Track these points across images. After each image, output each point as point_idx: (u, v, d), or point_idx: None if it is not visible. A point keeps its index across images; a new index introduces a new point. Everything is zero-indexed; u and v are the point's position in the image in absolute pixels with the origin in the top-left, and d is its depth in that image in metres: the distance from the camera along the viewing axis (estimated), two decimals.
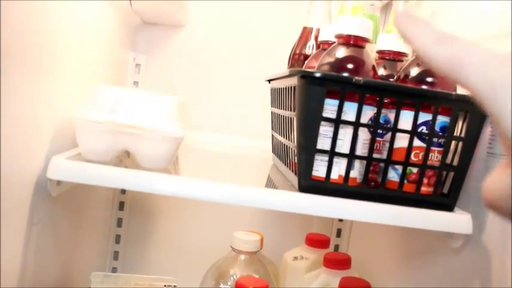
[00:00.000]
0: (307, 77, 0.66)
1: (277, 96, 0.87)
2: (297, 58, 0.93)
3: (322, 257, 1.02)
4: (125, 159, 0.78)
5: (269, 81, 0.97)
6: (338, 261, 0.99)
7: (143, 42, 1.22)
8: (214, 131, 1.18)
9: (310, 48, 0.92)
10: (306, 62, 0.89)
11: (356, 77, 0.65)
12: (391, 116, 0.71)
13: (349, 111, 0.67)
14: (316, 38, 0.91)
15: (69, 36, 0.72)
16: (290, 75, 0.71)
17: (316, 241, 1.10)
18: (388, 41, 0.81)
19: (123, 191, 1.23)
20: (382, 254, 1.06)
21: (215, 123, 1.21)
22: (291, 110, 0.75)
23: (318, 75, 0.66)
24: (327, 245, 1.11)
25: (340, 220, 1.27)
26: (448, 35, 0.32)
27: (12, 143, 0.58)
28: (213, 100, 1.22)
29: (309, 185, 0.68)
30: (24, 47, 0.58)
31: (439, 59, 0.32)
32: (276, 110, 0.89)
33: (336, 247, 1.28)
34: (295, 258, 1.08)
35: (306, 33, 0.94)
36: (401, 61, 0.80)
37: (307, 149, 0.67)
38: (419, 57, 0.32)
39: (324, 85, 0.66)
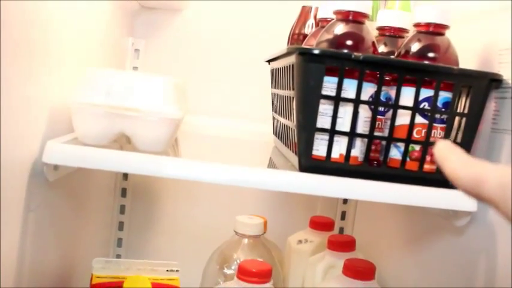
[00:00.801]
0: (305, 54, 0.65)
1: (277, 77, 0.86)
2: (296, 38, 0.91)
3: (326, 240, 1.01)
4: (125, 145, 0.77)
5: (269, 62, 0.95)
6: (342, 243, 0.98)
7: (142, 26, 1.20)
8: (215, 115, 1.17)
9: (309, 27, 0.90)
10: (304, 41, 0.88)
11: (355, 53, 0.64)
12: (392, 93, 0.69)
13: (349, 89, 0.66)
14: (315, 16, 0.89)
15: (65, 21, 0.70)
16: (288, 53, 0.70)
17: (320, 224, 1.09)
18: (389, 16, 0.79)
19: (125, 177, 1.22)
20: (387, 236, 1.05)
21: (215, 107, 1.19)
22: (290, 90, 0.73)
23: (316, 51, 0.65)
24: (332, 227, 1.10)
25: (345, 202, 1.26)
26: (474, 160, 0.37)
27: (7, 128, 0.56)
28: (213, 84, 1.21)
29: (310, 165, 0.66)
30: (18, 31, 0.56)
31: (464, 179, 0.36)
32: (276, 91, 0.88)
33: (341, 230, 1.27)
34: (300, 241, 1.07)
35: (305, 12, 0.92)
36: (402, 37, 0.78)
37: (307, 127, 0.66)
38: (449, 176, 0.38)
39: (323, 62, 0.64)
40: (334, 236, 1.01)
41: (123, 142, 0.78)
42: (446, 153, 0.39)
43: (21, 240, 0.64)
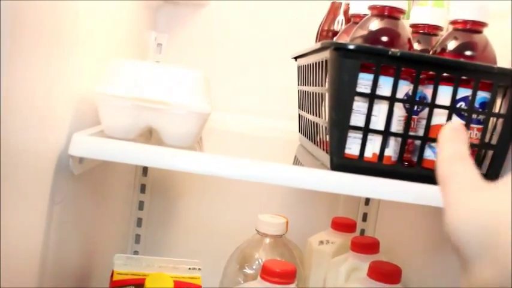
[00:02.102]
0: (340, 50, 0.63)
1: (306, 73, 0.84)
2: (325, 35, 0.89)
3: (348, 241, 0.99)
4: (149, 140, 0.75)
5: (296, 58, 0.94)
6: (366, 245, 0.96)
7: (164, 21, 1.19)
8: (238, 112, 1.15)
9: (339, 24, 0.88)
10: (335, 38, 0.86)
11: (392, 49, 0.62)
12: (427, 91, 0.68)
13: (384, 86, 0.64)
14: (345, 12, 0.88)
15: (89, 14, 0.69)
16: (322, 49, 0.68)
17: (342, 225, 1.07)
18: (422, 13, 0.77)
19: (145, 173, 1.21)
20: (411, 238, 1.03)
21: (239, 104, 1.17)
22: (321, 86, 0.72)
23: (352, 47, 0.63)
24: (354, 229, 1.08)
25: (367, 204, 1.24)
26: (466, 159, 0.37)
27: (33, 120, 0.55)
28: (236, 80, 1.19)
29: (342, 164, 0.65)
30: (46, 23, 0.55)
31: (439, 176, 0.37)
32: (305, 88, 0.86)
33: (362, 231, 1.25)
34: (321, 242, 1.05)
35: (334, 8, 0.90)
36: (436, 35, 0.76)
37: (340, 125, 0.64)
38: None
39: (358, 58, 0.63)
40: (358, 238, 0.99)
41: (148, 136, 0.77)
42: (446, 141, 0.39)
43: (46, 233, 0.63)
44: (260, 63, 1.18)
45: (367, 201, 1.24)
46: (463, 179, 0.35)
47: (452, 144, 0.38)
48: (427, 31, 0.76)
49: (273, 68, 1.17)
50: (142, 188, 1.21)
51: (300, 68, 0.92)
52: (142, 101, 0.64)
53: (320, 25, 0.92)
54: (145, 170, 1.21)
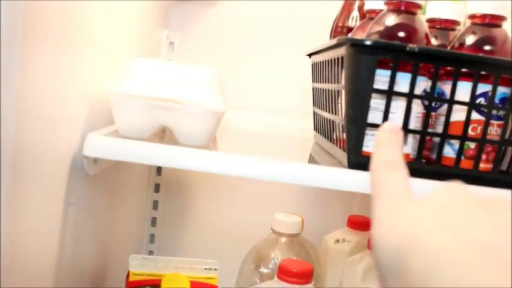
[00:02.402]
0: (357, 46, 0.62)
1: (321, 70, 0.83)
2: (340, 31, 0.88)
3: (365, 239, 0.98)
4: (160, 140, 0.75)
5: (310, 55, 0.92)
6: None
7: (176, 19, 1.18)
8: (251, 110, 1.14)
9: (353, 20, 0.87)
10: (349, 34, 0.85)
11: (410, 45, 0.61)
12: (445, 87, 0.66)
13: (401, 83, 0.63)
14: (359, 8, 0.86)
15: (101, 12, 0.68)
16: (338, 45, 0.67)
17: (359, 223, 1.05)
18: (439, 8, 0.76)
19: (159, 173, 1.20)
20: None
21: (252, 102, 1.16)
22: (337, 83, 0.71)
23: (368, 43, 0.62)
24: (370, 227, 1.07)
25: None
26: (397, 167, 0.36)
27: (47, 121, 0.55)
28: (250, 78, 1.18)
29: (359, 162, 0.64)
30: (57, 23, 0.54)
31: (371, 179, 0.36)
32: (319, 85, 0.85)
33: None
34: (337, 241, 1.04)
35: (348, 4, 0.89)
36: (454, 30, 0.75)
37: (358, 122, 0.63)
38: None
39: (375, 54, 0.61)
40: None
41: (161, 136, 0.76)
42: (381, 144, 0.38)
43: (61, 234, 0.63)
44: (273, 61, 1.17)
45: None
46: (390, 192, 0.34)
47: (386, 149, 0.37)
48: (444, 26, 0.75)
49: (286, 65, 1.16)
50: (157, 188, 1.21)
51: (314, 65, 0.91)
52: (156, 100, 0.64)
53: (334, 21, 0.90)
54: (159, 169, 1.20)
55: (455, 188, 0.33)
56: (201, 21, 1.18)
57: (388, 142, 0.38)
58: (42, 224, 0.57)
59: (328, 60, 0.75)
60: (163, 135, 0.77)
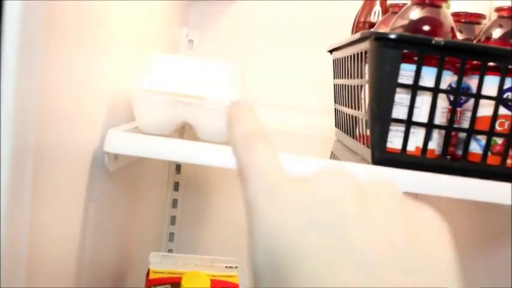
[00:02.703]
0: (381, 40, 0.61)
1: (343, 66, 0.81)
2: (362, 26, 0.87)
3: None
4: (180, 136, 0.74)
5: (331, 52, 0.91)
6: None
7: (196, 17, 1.17)
8: (271, 108, 1.13)
9: (375, 15, 0.86)
10: (372, 29, 0.83)
11: (436, 38, 0.59)
12: (471, 82, 0.65)
13: (427, 77, 0.62)
14: (381, 3, 0.85)
15: (119, 12, 0.67)
16: (361, 39, 0.65)
17: None
18: (464, 2, 0.75)
19: (178, 171, 1.20)
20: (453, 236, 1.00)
21: (272, 100, 1.15)
22: (359, 78, 0.69)
23: (393, 36, 0.60)
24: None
25: None
26: (262, 139, 0.32)
27: (67, 118, 0.54)
28: (270, 75, 1.17)
29: (384, 158, 0.62)
30: (75, 22, 0.54)
31: (236, 159, 0.32)
32: (341, 81, 0.83)
33: None
34: None
35: None
36: (479, 23, 0.73)
37: (382, 118, 0.62)
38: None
39: (400, 48, 0.60)
40: None
41: (181, 132, 0.75)
42: (237, 118, 0.33)
43: (82, 231, 0.62)
44: (293, 59, 1.16)
45: None
46: (264, 174, 0.30)
47: (246, 120, 0.33)
48: (469, 20, 0.74)
49: (306, 63, 1.15)
50: (176, 186, 1.20)
51: (335, 61, 0.90)
52: (177, 95, 0.63)
53: (356, 17, 0.89)
54: (178, 167, 1.20)
55: (337, 173, 0.30)
56: (220, 19, 1.18)
57: (245, 113, 0.33)
58: (63, 221, 0.57)
59: (350, 56, 0.74)
60: (183, 131, 0.76)
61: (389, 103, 0.61)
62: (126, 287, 0.88)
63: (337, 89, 0.90)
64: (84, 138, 0.61)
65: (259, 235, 0.28)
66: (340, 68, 0.85)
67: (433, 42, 0.59)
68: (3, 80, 0.40)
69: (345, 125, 0.83)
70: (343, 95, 0.82)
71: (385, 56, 0.61)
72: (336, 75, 0.90)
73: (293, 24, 1.16)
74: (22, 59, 0.41)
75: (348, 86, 0.78)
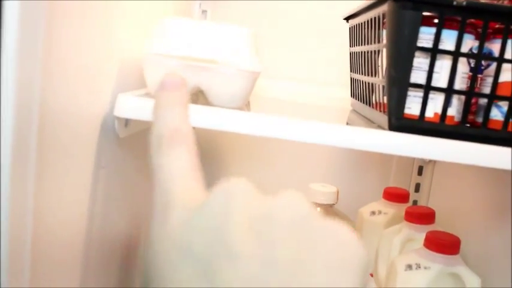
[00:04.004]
0: (400, 1, 0.59)
1: (360, 33, 0.79)
2: None
3: (401, 211, 0.95)
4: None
5: (347, 19, 0.89)
6: (421, 215, 0.91)
7: None
8: (287, 79, 1.11)
9: None
10: None
11: None
12: (493, 46, 0.63)
13: (447, 41, 0.60)
14: None
15: None
16: (379, 2, 0.63)
17: (395, 195, 1.02)
18: None
19: None
20: (467, 209, 0.98)
21: (288, 71, 1.14)
22: (377, 44, 0.67)
23: None
24: (407, 199, 1.04)
25: (419, 174, 1.19)
26: (183, 141, 0.30)
27: (76, 81, 0.53)
28: (285, 47, 1.15)
29: (401, 124, 0.60)
30: None
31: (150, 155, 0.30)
32: (358, 48, 0.81)
33: (415, 202, 1.20)
34: (373, 213, 1.01)
35: None
36: None
37: (400, 82, 0.60)
38: None
39: (419, 9, 0.58)
40: (412, 208, 0.95)
41: (194, 100, 0.74)
42: (164, 106, 0.31)
43: (91, 198, 0.61)
44: (308, 30, 1.14)
45: (420, 171, 1.19)
46: (160, 188, 0.29)
47: (169, 113, 0.31)
48: None
49: (323, 33, 1.13)
50: None
51: (352, 28, 0.87)
52: (189, 59, 0.61)
53: None
54: None
55: (231, 197, 0.28)
56: None
57: (172, 103, 0.31)
58: (71, 187, 0.55)
59: (368, 21, 0.72)
60: (197, 99, 0.75)
61: (408, 67, 0.59)
62: (138, 256, 0.87)
63: (353, 57, 0.87)
64: (93, 104, 0.59)
65: (146, 255, 0.27)
66: (356, 36, 0.83)
67: (455, 3, 0.57)
68: (5, 42, 0.38)
69: (361, 93, 0.81)
70: (360, 63, 0.80)
71: (404, 18, 0.59)
72: (352, 44, 0.88)
73: None
74: (25, 20, 0.39)
75: (364, 52, 0.76)
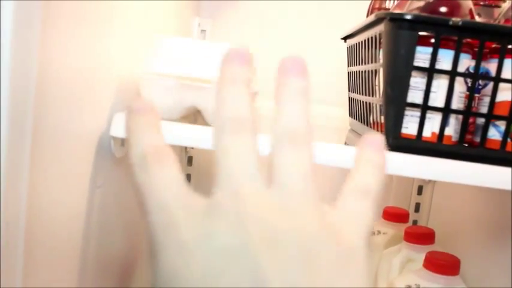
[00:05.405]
0: (396, 21, 0.59)
1: (357, 52, 0.79)
2: None
3: (401, 231, 0.95)
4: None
5: (345, 39, 0.89)
6: (421, 236, 0.91)
7: (208, 6, 1.16)
8: None
9: (390, 1, 0.84)
10: None
11: (453, 18, 0.57)
12: (489, 66, 0.63)
13: (443, 60, 0.60)
14: None
15: None
16: (376, 22, 0.63)
17: (394, 215, 1.02)
18: None
19: (190, 163, 1.18)
20: (467, 230, 0.98)
21: None
22: (374, 63, 0.67)
23: (409, 17, 0.58)
24: (406, 219, 1.03)
25: (419, 193, 1.19)
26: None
27: (72, 100, 0.52)
28: None
29: (399, 144, 0.60)
30: (82, 5, 0.52)
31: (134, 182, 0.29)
32: (355, 68, 0.81)
33: (414, 222, 1.19)
34: (373, 233, 1.00)
35: None
36: (499, 7, 0.71)
37: (397, 102, 0.60)
38: None
39: (416, 29, 0.58)
40: (412, 228, 0.94)
41: (191, 121, 0.73)
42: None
43: (87, 218, 0.60)
44: (307, 50, 1.14)
45: (420, 191, 1.19)
46: (158, 204, 0.28)
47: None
48: (488, 3, 0.71)
49: (320, 53, 1.13)
50: (190, 161, 1.18)
51: (350, 48, 0.87)
52: (186, 79, 0.61)
53: (370, 4, 0.87)
54: (190, 159, 1.18)
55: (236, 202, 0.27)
56: (233, 9, 1.16)
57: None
58: (66, 207, 0.55)
59: (365, 40, 0.72)
60: (195, 120, 0.74)
61: (405, 87, 0.59)
62: (135, 277, 0.87)
63: (351, 76, 0.87)
64: (89, 123, 0.59)
65: (160, 274, 0.26)
66: (354, 55, 0.83)
67: (451, 22, 0.57)
68: None
69: (359, 113, 0.81)
70: (357, 83, 0.80)
71: (400, 37, 0.59)
72: (350, 63, 0.88)
73: (307, 15, 1.14)
74: (18, 39, 0.39)
75: (362, 72, 0.76)
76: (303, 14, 1.14)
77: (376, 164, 0.31)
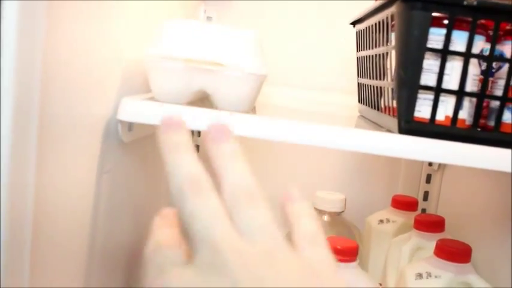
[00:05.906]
0: (409, 2, 0.57)
1: (367, 36, 0.78)
2: None
3: (410, 220, 0.93)
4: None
5: (354, 24, 0.88)
6: (431, 223, 0.90)
7: None
8: (293, 86, 1.10)
9: None
10: None
11: None
12: (504, 48, 0.61)
13: (457, 42, 0.58)
14: None
15: None
16: (388, 4, 0.62)
17: (404, 203, 1.01)
18: None
19: (199, 134, 1.16)
20: (477, 218, 0.96)
21: (293, 78, 1.12)
22: (385, 46, 0.66)
23: None
24: (415, 207, 1.02)
25: (428, 182, 1.18)
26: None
27: (79, 85, 0.52)
28: (291, 53, 1.14)
29: (411, 128, 0.59)
30: None
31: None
32: (365, 52, 0.80)
33: (423, 211, 1.18)
34: (381, 221, 1.00)
35: None
36: None
37: (409, 85, 0.58)
38: None
39: (429, 10, 0.57)
40: (422, 216, 0.93)
41: (199, 105, 0.72)
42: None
43: (95, 203, 0.60)
44: (315, 35, 1.13)
45: (428, 179, 1.18)
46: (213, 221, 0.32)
47: (180, 161, 0.34)
48: None
49: (329, 39, 1.11)
50: (197, 149, 1.17)
51: (359, 33, 0.86)
52: (194, 62, 0.60)
53: None
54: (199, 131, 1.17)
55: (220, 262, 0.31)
56: None
57: (177, 149, 0.35)
58: (74, 192, 0.54)
59: (375, 24, 0.71)
60: (203, 104, 0.73)
61: (418, 69, 0.58)
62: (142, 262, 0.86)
63: (361, 61, 0.86)
64: (96, 107, 0.58)
65: None
66: (363, 40, 0.82)
67: (465, 2, 0.56)
68: (3, 44, 0.37)
69: (369, 98, 0.79)
70: (367, 67, 0.79)
71: (413, 19, 0.57)
72: (359, 48, 0.87)
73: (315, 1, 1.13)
74: (24, 22, 0.38)
75: (372, 56, 0.75)
76: (311, 1, 1.13)
77: (307, 213, 0.37)
